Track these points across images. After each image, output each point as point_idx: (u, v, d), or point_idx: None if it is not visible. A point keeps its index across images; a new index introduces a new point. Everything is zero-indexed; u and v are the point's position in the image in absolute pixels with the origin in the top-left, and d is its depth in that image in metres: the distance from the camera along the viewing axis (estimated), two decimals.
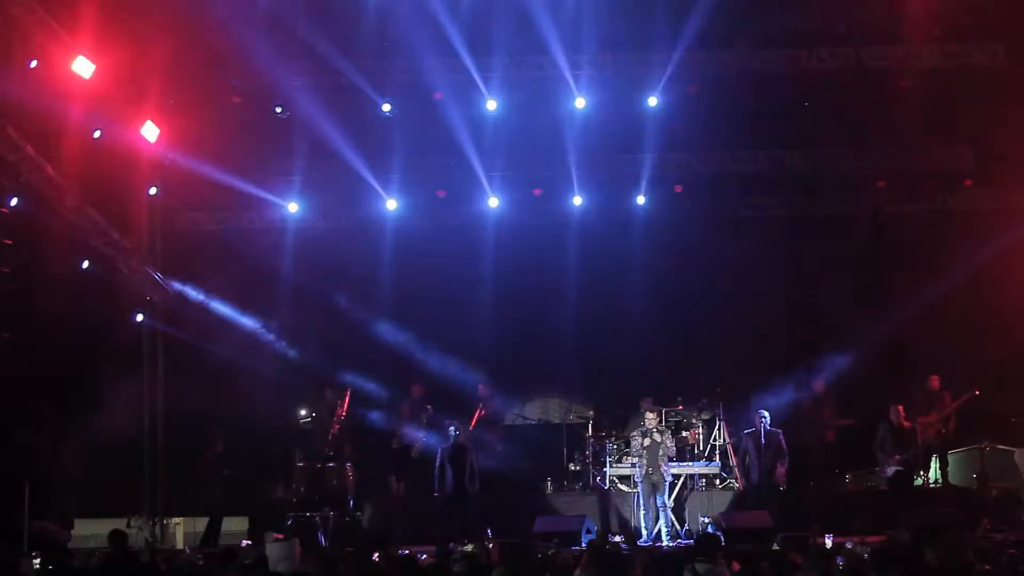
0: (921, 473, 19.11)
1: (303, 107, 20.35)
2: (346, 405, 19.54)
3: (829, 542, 14.70)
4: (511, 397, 21.42)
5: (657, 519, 17.90)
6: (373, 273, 21.54)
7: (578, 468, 20.12)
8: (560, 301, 21.31)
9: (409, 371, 20.79)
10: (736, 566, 11.65)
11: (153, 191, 20.66)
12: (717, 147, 21.44)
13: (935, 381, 19.42)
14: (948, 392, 19.26)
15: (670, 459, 18.10)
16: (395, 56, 20.12)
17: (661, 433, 18.12)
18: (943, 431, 19.22)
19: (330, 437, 19.18)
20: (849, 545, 13.68)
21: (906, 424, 19.13)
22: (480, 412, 20.08)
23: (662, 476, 17.91)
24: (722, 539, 13.58)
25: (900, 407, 19.20)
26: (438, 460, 18.85)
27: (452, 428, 18.89)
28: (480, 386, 20.48)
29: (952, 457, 19.50)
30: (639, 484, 18.17)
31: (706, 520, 18.24)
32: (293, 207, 21.64)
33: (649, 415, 18.25)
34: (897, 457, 18.94)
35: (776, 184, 21.77)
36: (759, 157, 21.48)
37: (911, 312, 20.53)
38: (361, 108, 20.60)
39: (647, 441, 17.98)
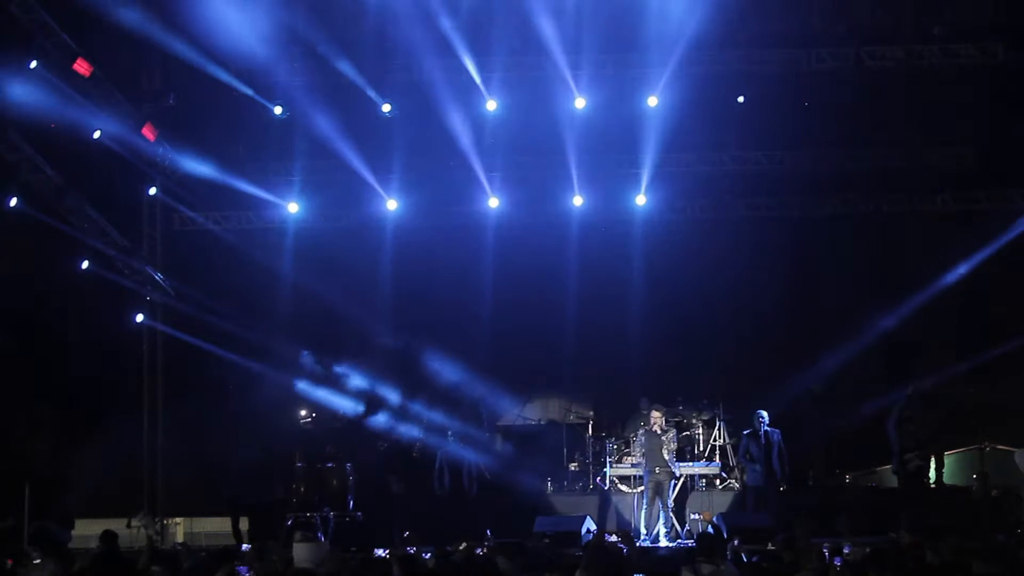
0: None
1: (303, 107, 20.34)
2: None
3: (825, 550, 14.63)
4: (511, 397, 21.40)
5: (658, 519, 17.88)
6: (373, 273, 21.50)
7: (578, 468, 20.11)
8: (560, 301, 21.27)
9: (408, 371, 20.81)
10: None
11: (153, 191, 20.70)
12: (716, 147, 21.41)
13: None
14: None
15: (673, 457, 18.08)
16: (394, 56, 20.08)
17: (664, 432, 18.09)
18: None
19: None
20: (847, 549, 13.62)
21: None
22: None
23: (668, 475, 17.88)
24: (724, 536, 13.55)
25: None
26: (437, 462, 18.83)
27: (450, 430, 18.88)
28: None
29: (952, 457, 19.47)
30: (644, 484, 18.13)
31: (696, 517, 18.25)
32: (293, 207, 21.58)
33: (655, 414, 18.20)
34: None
35: (775, 184, 21.73)
36: (758, 157, 21.43)
37: (911, 312, 20.52)
38: (361, 108, 20.56)
39: (651, 440, 17.95)
